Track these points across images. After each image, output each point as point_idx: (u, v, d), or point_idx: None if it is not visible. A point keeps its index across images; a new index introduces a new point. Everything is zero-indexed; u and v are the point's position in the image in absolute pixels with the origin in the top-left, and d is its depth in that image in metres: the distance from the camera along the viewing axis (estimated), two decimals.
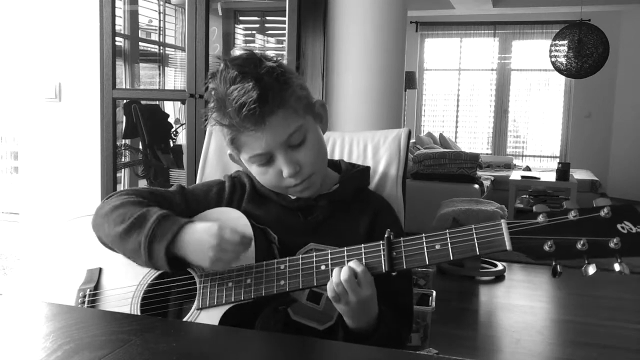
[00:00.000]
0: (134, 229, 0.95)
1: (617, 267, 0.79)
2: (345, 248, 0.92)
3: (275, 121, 0.96)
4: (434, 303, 2.58)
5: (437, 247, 0.86)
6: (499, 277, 3.97)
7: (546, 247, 0.81)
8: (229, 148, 1.06)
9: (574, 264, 0.83)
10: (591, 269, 0.80)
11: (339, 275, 0.89)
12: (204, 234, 0.91)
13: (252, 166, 1.04)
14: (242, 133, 0.98)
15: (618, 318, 3.23)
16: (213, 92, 0.99)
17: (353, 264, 0.89)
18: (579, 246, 0.80)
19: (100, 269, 1.07)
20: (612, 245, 0.79)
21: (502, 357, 2.71)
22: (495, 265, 4.05)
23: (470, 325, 3.13)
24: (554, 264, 0.82)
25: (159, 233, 0.93)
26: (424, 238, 0.88)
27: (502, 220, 0.84)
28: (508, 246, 0.82)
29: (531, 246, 0.82)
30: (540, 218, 0.82)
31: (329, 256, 0.92)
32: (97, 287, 1.05)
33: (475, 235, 0.84)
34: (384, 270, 0.88)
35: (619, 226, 0.79)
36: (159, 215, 0.95)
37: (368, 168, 1.18)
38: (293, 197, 1.08)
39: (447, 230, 0.86)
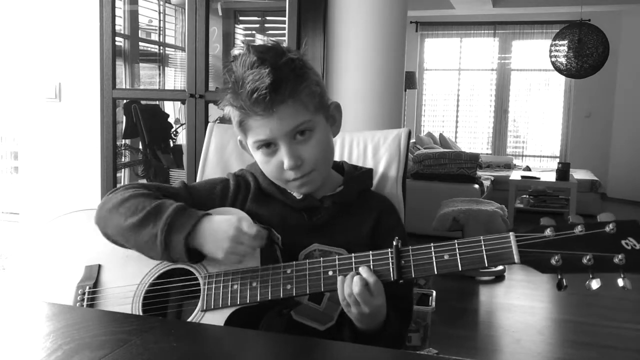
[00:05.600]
0: (149, 220, 0.94)
1: (620, 282, 0.80)
2: (353, 255, 0.92)
3: (284, 111, 0.98)
4: (434, 303, 2.58)
5: (446, 257, 0.87)
6: (499, 277, 3.97)
7: (553, 261, 0.82)
8: (237, 132, 1.07)
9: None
10: (595, 284, 0.81)
11: (351, 287, 0.89)
12: (222, 224, 0.92)
13: (257, 153, 1.05)
14: (251, 117, 0.99)
15: (618, 318, 3.23)
16: (232, 75, 1.00)
17: (365, 273, 0.89)
18: (584, 261, 0.81)
19: (100, 266, 1.05)
20: (616, 261, 0.80)
21: (502, 357, 2.71)
22: (495, 266, 4.05)
23: (470, 325, 3.13)
24: (559, 277, 0.83)
25: (177, 224, 0.93)
26: (432, 248, 0.88)
27: (511, 233, 0.85)
28: (516, 259, 0.83)
29: (539, 260, 0.83)
30: (548, 232, 0.83)
31: (337, 262, 0.92)
32: (96, 284, 1.04)
33: (483, 247, 0.85)
34: (392, 279, 0.89)
35: (623, 242, 0.80)
36: (175, 207, 0.95)
37: (371, 170, 1.19)
38: (299, 197, 1.08)
39: (456, 241, 0.87)
